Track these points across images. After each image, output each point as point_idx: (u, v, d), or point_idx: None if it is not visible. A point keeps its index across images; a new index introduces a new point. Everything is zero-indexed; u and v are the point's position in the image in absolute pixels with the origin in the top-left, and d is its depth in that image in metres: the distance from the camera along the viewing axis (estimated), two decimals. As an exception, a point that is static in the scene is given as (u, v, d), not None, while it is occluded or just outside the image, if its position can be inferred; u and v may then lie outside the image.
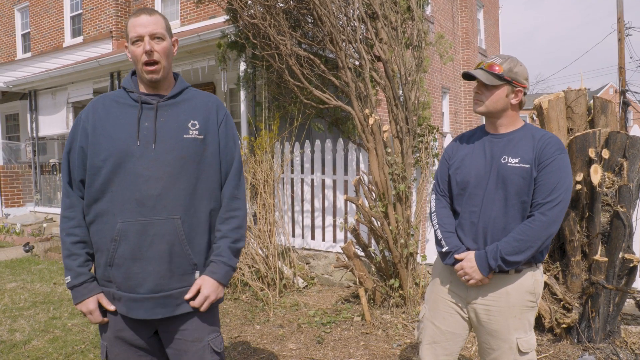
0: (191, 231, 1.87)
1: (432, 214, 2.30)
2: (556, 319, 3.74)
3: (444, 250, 2.19)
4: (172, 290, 1.85)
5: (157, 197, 1.81)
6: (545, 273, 3.84)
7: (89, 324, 4.58)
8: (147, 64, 1.85)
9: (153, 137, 1.85)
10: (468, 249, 2.14)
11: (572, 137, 3.69)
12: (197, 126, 1.91)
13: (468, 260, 2.09)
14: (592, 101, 3.94)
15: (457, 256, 2.14)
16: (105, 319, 1.89)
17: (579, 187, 3.59)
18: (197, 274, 1.89)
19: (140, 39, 1.85)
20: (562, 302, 3.74)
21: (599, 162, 3.60)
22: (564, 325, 3.74)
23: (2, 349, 4.03)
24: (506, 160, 2.08)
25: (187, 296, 1.86)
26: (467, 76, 2.15)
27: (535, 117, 4.02)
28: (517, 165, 2.04)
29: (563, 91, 3.97)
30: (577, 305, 3.72)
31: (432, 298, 2.33)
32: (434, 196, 2.35)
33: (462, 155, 2.24)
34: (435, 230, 2.26)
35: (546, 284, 3.80)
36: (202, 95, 2.04)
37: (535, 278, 2.13)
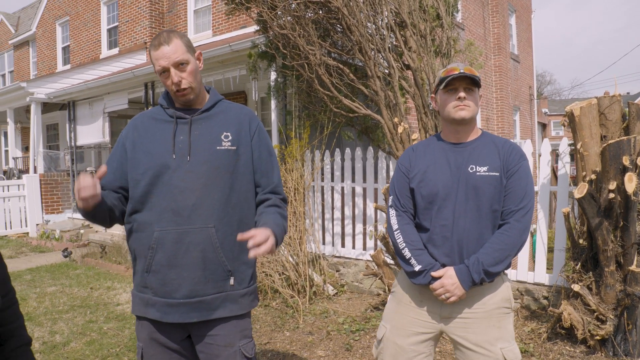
0: (225, 239, 1.92)
1: (395, 232, 2.14)
2: (589, 331, 3.66)
3: (416, 269, 2.04)
4: (206, 295, 1.91)
5: (192, 207, 1.88)
6: (577, 283, 3.77)
7: (124, 328, 4.71)
8: (178, 91, 1.93)
9: (188, 149, 1.93)
10: (443, 265, 2.04)
11: (605, 145, 3.63)
12: (230, 137, 1.97)
13: (448, 277, 1.98)
14: (627, 108, 3.87)
15: (434, 274, 2.02)
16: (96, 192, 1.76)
17: (612, 195, 3.52)
18: (232, 280, 1.95)
19: (165, 70, 1.91)
20: (595, 314, 3.67)
21: (633, 170, 3.52)
22: (597, 337, 3.66)
23: (43, 350, 4.19)
24: (474, 169, 2.03)
25: (239, 237, 1.74)
26: (451, 81, 2.04)
27: (566, 124, 3.97)
28: (487, 174, 2.01)
29: (596, 97, 3.90)
30: (612, 317, 3.64)
31: (395, 317, 2.20)
32: (394, 212, 2.18)
33: (423, 167, 2.12)
34: (401, 249, 2.10)
35: (579, 294, 3.74)
36: (235, 108, 2.09)
37: (507, 285, 2.12)
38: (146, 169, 1.92)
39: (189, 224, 1.88)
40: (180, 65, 1.91)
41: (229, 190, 1.94)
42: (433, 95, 2.22)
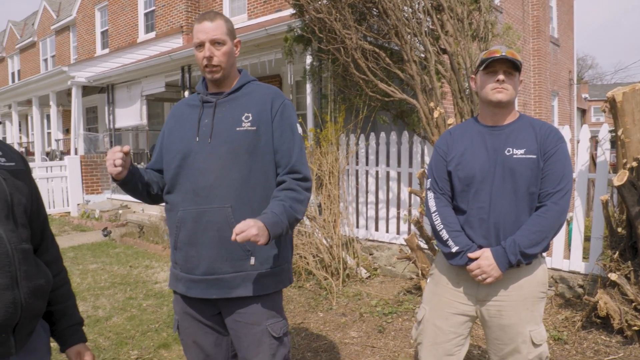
0: (243, 219, 1.85)
1: (434, 214, 2.18)
2: (627, 321, 3.62)
3: (453, 250, 2.08)
4: (224, 274, 1.96)
5: (210, 187, 1.95)
6: (615, 272, 3.72)
7: (162, 305, 4.88)
8: (207, 66, 2.00)
9: (210, 132, 2.00)
10: (480, 247, 2.07)
11: (648, 132, 3.55)
12: (251, 118, 2.00)
13: (485, 259, 2.01)
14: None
15: (471, 255, 2.05)
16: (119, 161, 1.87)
17: (654, 183, 3.45)
18: (252, 259, 1.96)
19: (201, 44, 1.98)
20: (633, 304, 3.62)
21: (677, 158, 3.44)
22: (635, 328, 3.61)
23: (88, 323, 4.40)
24: (511, 152, 2.04)
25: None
26: (492, 63, 2.04)
27: (607, 110, 3.88)
28: (524, 156, 2.02)
29: (640, 82, 3.81)
30: (651, 306, 3.58)
31: (434, 299, 2.25)
32: (431, 194, 2.22)
33: (460, 150, 2.14)
34: (439, 231, 2.14)
35: (616, 284, 3.69)
36: (261, 88, 2.11)
37: (544, 268, 2.13)
38: (176, 152, 2.03)
39: (207, 204, 1.95)
40: (216, 43, 1.97)
41: (248, 171, 1.96)
42: (473, 76, 2.22)
